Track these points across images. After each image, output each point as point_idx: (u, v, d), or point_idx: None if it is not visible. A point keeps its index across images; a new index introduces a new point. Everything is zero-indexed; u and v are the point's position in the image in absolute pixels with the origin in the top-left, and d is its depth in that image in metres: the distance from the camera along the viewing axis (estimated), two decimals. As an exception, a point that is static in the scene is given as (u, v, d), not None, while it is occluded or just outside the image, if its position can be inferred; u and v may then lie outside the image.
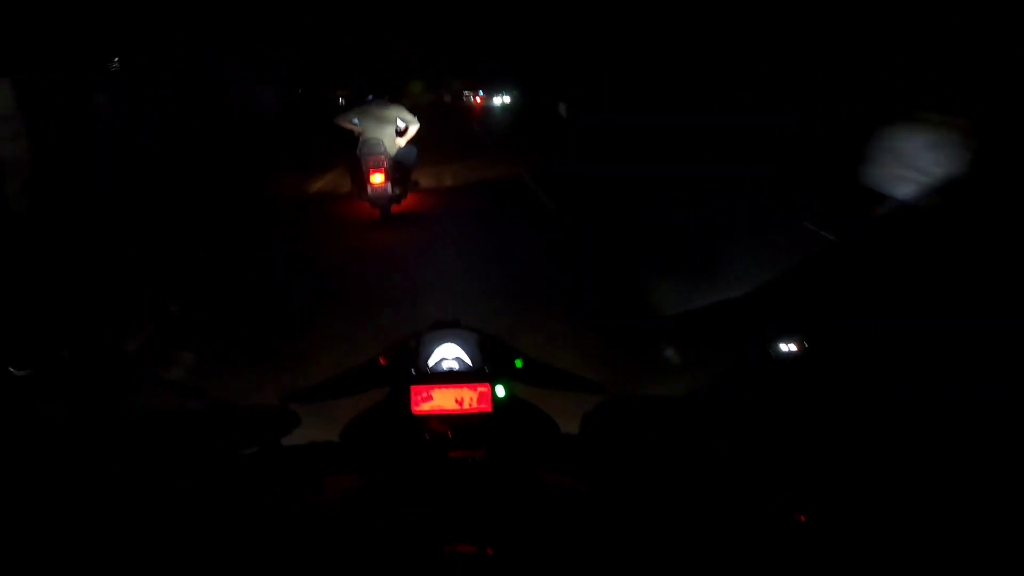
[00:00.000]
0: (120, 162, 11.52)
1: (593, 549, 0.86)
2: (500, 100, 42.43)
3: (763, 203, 9.17)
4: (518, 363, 1.41)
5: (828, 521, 0.88)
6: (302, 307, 5.03)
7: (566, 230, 7.76)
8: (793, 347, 1.20)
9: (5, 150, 8.89)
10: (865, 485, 0.89)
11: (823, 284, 4.73)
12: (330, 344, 4.14)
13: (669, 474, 0.99)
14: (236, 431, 1.19)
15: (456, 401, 1.27)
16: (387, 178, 7.56)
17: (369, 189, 7.61)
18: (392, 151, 7.70)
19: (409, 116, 7.94)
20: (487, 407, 1.27)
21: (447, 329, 1.42)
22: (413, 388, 1.27)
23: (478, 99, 45.92)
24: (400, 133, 7.85)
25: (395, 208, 8.02)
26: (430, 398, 1.27)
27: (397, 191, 7.84)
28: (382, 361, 1.44)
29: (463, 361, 1.38)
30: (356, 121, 7.82)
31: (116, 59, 14.11)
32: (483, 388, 1.27)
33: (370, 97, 8.25)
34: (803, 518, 0.89)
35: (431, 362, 1.38)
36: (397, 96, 8.71)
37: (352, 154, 7.85)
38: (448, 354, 1.38)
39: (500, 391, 1.30)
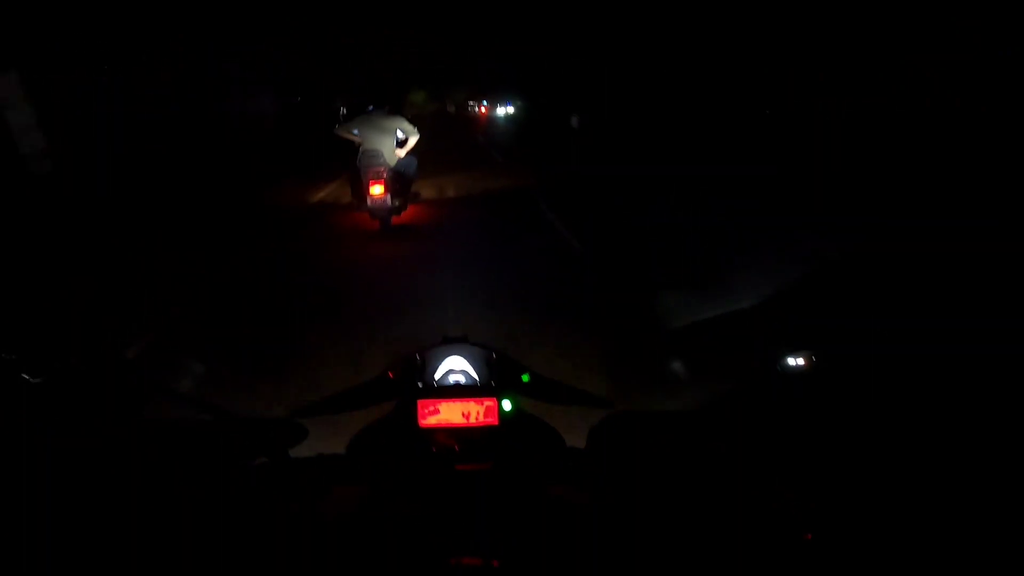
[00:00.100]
0: (120, 163, 11.52)
1: (598, 563, 0.86)
2: (504, 110, 42.09)
3: (767, 205, 9.15)
4: (525, 378, 1.42)
5: (834, 538, 0.88)
6: (294, 320, 4.93)
7: (572, 240, 7.63)
8: (802, 361, 1.19)
9: (13, 117, 8.67)
10: (871, 502, 0.89)
11: (831, 296, 4.74)
12: (316, 356, 4.10)
13: (674, 489, 0.99)
14: (244, 442, 1.20)
15: (463, 415, 1.28)
16: (387, 189, 7.55)
17: (369, 200, 7.60)
18: (392, 162, 7.71)
19: (409, 127, 7.95)
20: (493, 421, 1.28)
21: (454, 344, 1.43)
22: (420, 401, 1.28)
23: (483, 109, 45.54)
24: (400, 144, 7.86)
25: (395, 219, 8.01)
26: (437, 411, 1.28)
27: (397, 202, 7.83)
28: (390, 375, 1.45)
29: (470, 375, 1.39)
30: (356, 132, 7.83)
31: (106, 66, 14.03)
32: (490, 402, 1.28)
33: (370, 107, 8.26)
34: (809, 536, 0.89)
35: (438, 376, 1.39)
36: (398, 107, 8.71)
37: (352, 165, 7.85)
38: (455, 368, 1.40)
39: (506, 405, 1.30)
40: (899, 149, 11.96)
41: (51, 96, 10.59)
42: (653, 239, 7.25)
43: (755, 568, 0.83)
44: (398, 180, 7.82)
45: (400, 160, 7.84)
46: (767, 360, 1.22)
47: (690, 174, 11.42)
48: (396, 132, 7.82)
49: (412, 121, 8.18)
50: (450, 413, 1.28)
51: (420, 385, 1.37)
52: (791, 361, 1.19)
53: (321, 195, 11.10)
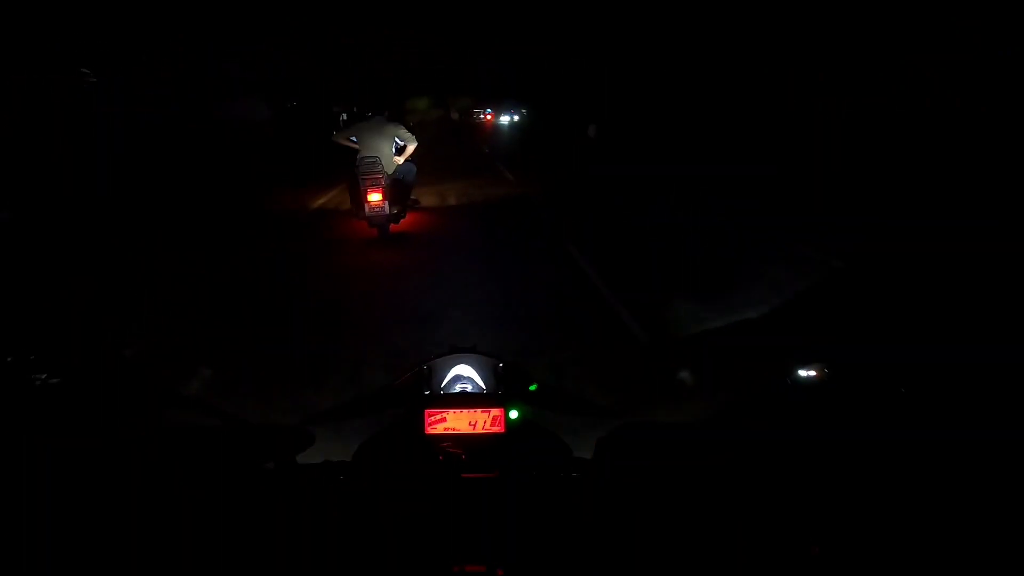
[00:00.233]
0: (120, 163, 11.52)
1: (602, 573, 0.86)
2: (508, 118, 41.49)
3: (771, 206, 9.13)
4: (532, 387, 1.43)
5: (841, 551, 0.87)
6: (279, 328, 4.84)
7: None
8: (813, 373, 1.19)
9: None
10: (878, 515, 0.89)
11: (841, 308, 4.72)
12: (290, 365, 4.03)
13: (681, 501, 0.99)
14: (253, 448, 1.22)
15: (469, 423, 1.28)
16: (385, 197, 7.46)
17: (366, 208, 7.50)
18: (390, 169, 7.64)
19: (407, 134, 7.89)
20: (500, 430, 1.28)
21: (462, 353, 1.44)
22: (427, 410, 1.29)
23: (488, 116, 44.96)
24: (399, 151, 7.80)
25: (393, 227, 7.91)
26: (444, 420, 1.29)
27: (395, 210, 7.74)
28: (397, 383, 1.46)
29: (477, 384, 1.40)
30: (354, 138, 7.79)
31: (87, 70, 13.85)
32: (496, 411, 1.29)
33: (369, 114, 8.20)
34: (816, 549, 0.89)
35: (445, 384, 1.40)
36: (397, 113, 8.64)
37: (351, 172, 7.77)
38: (462, 377, 1.41)
39: (513, 414, 1.31)
40: (899, 149, 11.96)
41: (51, 96, 10.59)
42: (654, 240, 7.23)
43: None
44: (396, 187, 7.75)
45: (399, 167, 7.77)
46: (778, 371, 1.22)
47: (690, 174, 11.41)
48: (394, 139, 7.77)
49: (414, 128, 8.14)
50: (457, 421, 1.28)
51: (427, 394, 1.37)
52: (803, 373, 1.19)
53: (322, 201, 11.02)
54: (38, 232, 7.43)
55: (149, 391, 1.26)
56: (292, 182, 12.37)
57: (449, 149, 19.99)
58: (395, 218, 7.85)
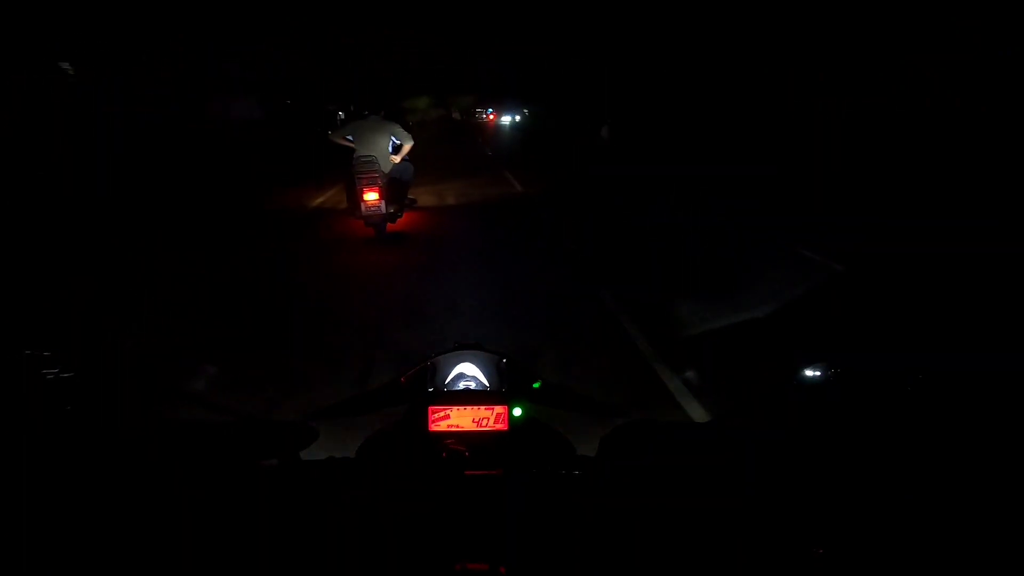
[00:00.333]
0: (120, 163, 11.52)
1: (606, 572, 0.86)
2: (511, 118, 41.09)
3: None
4: (536, 384, 1.43)
5: (845, 552, 0.87)
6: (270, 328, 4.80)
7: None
8: (819, 373, 1.19)
9: None
10: (884, 516, 0.89)
11: (840, 308, 4.72)
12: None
13: (685, 500, 0.99)
14: (256, 443, 1.23)
15: (473, 420, 1.28)
16: (381, 196, 7.45)
17: (363, 207, 7.48)
18: (387, 168, 7.62)
19: (403, 133, 7.89)
20: (504, 427, 1.28)
21: (466, 349, 1.44)
22: (430, 407, 1.28)
23: (491, 116, 44.52)
24: (395, 150, 7.79)
25: (390, 227, 7.90)
26: (447, 417, 1.28)
27: (392, 209, 7.74)
28: (401, 380, 1.46)
29: (480, 381, 1.40)
30: (350, 137, 7.77)
31: (67, 64, 13.67)
32: (500, 408, 1.29)
33: (365, 112, 8.19)
34: (820, 550, 0.89)
35: (449, 381, 1.40)
36: (398, 112, 8.64)
37: (348, 171, 7.75)
38: (466, 374, 1.41)
39: (517, 412, 1.31)
40: (899, 149, 11.97)
41: (51, 96, 10.58)
42: (654, 240, 7.22)
43: None
44: (393, 186, 7.74)
45: (396, 166, 7.76)
46: (784, 369, 1.22)
47: (690, 174, 11.42)
48: (391, 137, 7.76)
49: (413, 128, 8.13)
50: (460, 419, 1.28)
51: (431, 390, 1.37)
52: (809, 372, 1.18)
53: (320, 200, 11.01)
54: (39, 232, 7.43)
55: (152, 387, 1.27)
56: (286, 182, 12.37)
57: (449, 149, 19.90)
58: (392, 217, 7.84)
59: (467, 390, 1.38)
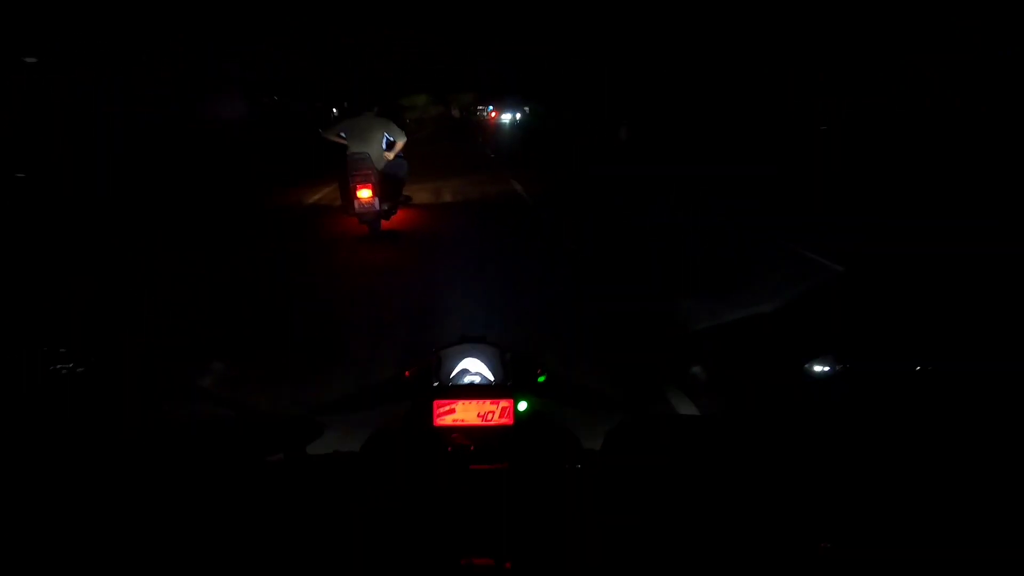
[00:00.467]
0: (120, 163, 11.51)
1: (611, 566, 0.86)
2: (511, 116, 40.74)
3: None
4: (541, 378, 1.43)
5: (851, 547, 0.87)
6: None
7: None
8: (827, 368, 1.19)
9: None
10: (890, 511, 0.89)
11: (841, 308, 4.71)
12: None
13: (691, 494, 0.99)
14: (262, 438, 1.23)
15: (478, 415, 1.28)
16: (375, 193, 7.42)
17: (356, 204, 7.45)
18: (380, 165, 7.58)
19: (397, 130, 7.85)
20: (509, 421, 1.28)
21: (471, 343, 1.44)
22: (436, 401, 1.29)
23: (492, 114, 44.15)
24: (388, 146, 7.75)
25: (385, 224, 7.89)
26: (452, 411, 1.28)
27: (386, 206, 7.72)
28: (406, 374, 1.46)
29: (485, 376, 1.40)
30: (343, 134, 7.74)
31: (32, 58, 13.23)
32: (505, 402, 1.29)
33: (361, 110, 8.18)
34: (825, 544, 0.89)
35: (454, 375, 1.40)
36: (396, 109, 8.62)
37: (341, 168, 7.70)
38: (471, 368, 1.40)
39: (522, 406, 1.31)
40: (899, 149, 11.96)
41: (51, 96, 10.57)
42: (655, 240, 7.22)
43: None
44: (387, 183, 7.70)
45: (389, 163, 7.72)
46: (791, 365, 1.22)
47: (690, 174, 11.41)
48: (384, 134, 7.71)
49: (411, 125, 8.11)
50: (465, 413, 1.28)
51: (436, 384, 1.37)
52: (816, 367, 1.18)
53: (316, 197, 10.99)
54: (39, 232, 7.43)
55: (158, 384, 1.28)
56: (286, 182, 12.37)
57: (447, 147, 19.83)
58: (385, 214, 7.82)
59: (472, 384, 1.37)
